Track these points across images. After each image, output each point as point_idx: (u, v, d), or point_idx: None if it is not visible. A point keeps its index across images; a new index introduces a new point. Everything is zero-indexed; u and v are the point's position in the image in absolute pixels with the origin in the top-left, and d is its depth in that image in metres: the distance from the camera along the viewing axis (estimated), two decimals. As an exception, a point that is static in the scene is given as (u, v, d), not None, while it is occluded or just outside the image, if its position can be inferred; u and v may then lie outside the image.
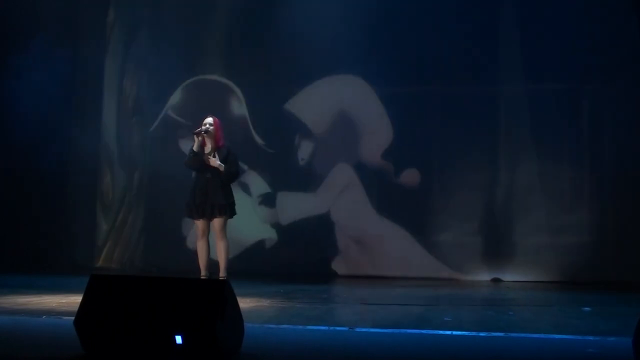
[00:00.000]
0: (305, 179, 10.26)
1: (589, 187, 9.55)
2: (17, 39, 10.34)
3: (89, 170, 10.70)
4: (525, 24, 9.79)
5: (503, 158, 9.82)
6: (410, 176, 9.96)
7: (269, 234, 10.28)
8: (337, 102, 10.24)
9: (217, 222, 7.81)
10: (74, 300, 5.62)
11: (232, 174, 7.90)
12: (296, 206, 10.25)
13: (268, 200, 10.32)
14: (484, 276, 9.68)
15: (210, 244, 7.95)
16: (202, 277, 7.70)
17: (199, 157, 7.83)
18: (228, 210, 7.86)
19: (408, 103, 10.05)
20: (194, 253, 8.18)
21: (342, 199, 10.15)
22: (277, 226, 10.29)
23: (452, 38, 9.78)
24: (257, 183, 10.32)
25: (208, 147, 7.91)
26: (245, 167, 9.85)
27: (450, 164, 9.87)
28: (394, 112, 10.06)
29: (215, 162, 7.78)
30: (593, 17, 9.58)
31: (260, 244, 10.25)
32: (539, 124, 9.69)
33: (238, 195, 8.45)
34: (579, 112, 9.63)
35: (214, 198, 7.77)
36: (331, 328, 5.18)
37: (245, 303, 6.17)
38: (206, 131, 7.87)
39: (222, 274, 7.77)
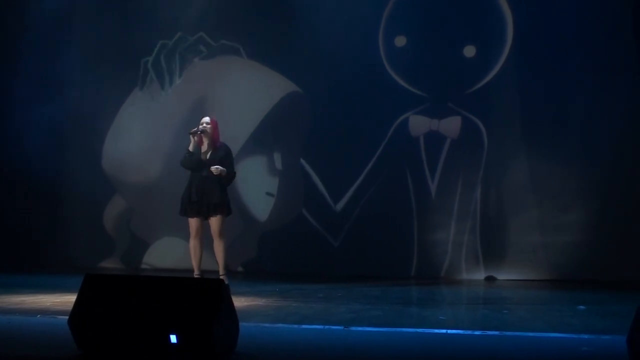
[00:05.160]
0: (301, 176, 10.26)
1: (583, 186, 9.52)
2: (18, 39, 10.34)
3: (88, 170, 10.65)
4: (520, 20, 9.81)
5: (498, 157, 9.80)
6: (402, 175, 9.97)
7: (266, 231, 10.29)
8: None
9: (215, 222, 7.77)
10: (68, 300, 5.61)
11: (231, 177, 7.90)
12: (297, 203, 10.26)
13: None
14: (479, 275, 9.68)
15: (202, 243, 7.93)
16: (195, 277, 7.68)
17: (195, 157, 7.82)
18: (224, 209, 7.85)
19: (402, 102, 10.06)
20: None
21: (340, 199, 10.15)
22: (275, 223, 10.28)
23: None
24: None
25: (205, 146, 7.89)
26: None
27: (444, 163, 9.86)
28: (393, 112, 10.07)
29: (217, 170, 7.75)
30: (589, 17, 9.59)
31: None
32: (535, 122, 9.69)
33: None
34: (575, 110, 9.62)
35: (210, 197, 7.75)
36: (326, 327, 5.18)
37: (240, 302, 6.18)
38: (203, 130, 7.85)
39: (221, 272, 7.74)
